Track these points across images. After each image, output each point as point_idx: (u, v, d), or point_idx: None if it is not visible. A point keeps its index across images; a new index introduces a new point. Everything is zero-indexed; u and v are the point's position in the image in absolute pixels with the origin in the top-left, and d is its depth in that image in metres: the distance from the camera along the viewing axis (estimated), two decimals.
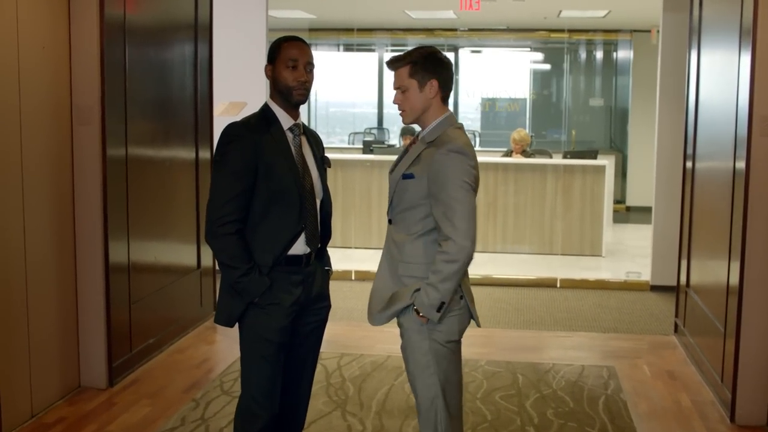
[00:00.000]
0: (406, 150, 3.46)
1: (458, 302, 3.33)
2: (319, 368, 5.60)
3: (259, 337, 3.40)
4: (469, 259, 3.20)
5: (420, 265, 3.30)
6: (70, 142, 5.11)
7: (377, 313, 3.40)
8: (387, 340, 6.18)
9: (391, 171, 3.47)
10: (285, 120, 3.44)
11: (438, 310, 3.24)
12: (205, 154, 6.77)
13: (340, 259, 9.33)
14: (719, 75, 5.64)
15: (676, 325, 6.76)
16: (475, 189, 3.23)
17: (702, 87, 6.16)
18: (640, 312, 7.51)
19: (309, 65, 3.42)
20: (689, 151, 6.47)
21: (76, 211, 5.19)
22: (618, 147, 14.33)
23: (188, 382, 5.47)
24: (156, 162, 6.01)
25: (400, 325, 3.38)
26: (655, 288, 8.22)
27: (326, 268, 3.60)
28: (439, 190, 3.19)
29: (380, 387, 5.40)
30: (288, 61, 3.36)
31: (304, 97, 3.43)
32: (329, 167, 3.65)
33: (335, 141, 15.30)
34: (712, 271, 5.70)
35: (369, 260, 9.28)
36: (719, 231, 5.39)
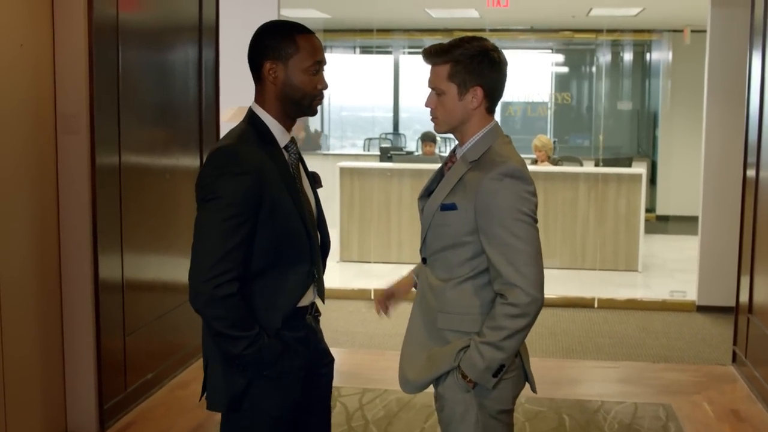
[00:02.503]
0: (440, 171, 2.79)
1: (513, 361, 2.67)
2: (338, 408, 4.96)
3: (267, 419, 2.65)
4: (539, 312, 2.55)
5: (467, 316, 2.65)
6: (54, 151, 4.51)
7: (413, 380, 2.74)
8: None
9: (423, 197, 2.80)
10: (281, 135, 2.69)
11: (495, 375, 2.57)
12: None
13: (357, 275, 8.72)
14: None
15: (734, 354, 6.07)
16: (536, 220, 2.58)
17: None
18: (690, 337, 6.83)
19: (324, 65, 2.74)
20: (751, 159, 5.78)
21: (62, 226, 4.59)
22: (645, 153, 13.67)
23: (191, 425, 4.83)
24: (155, 171, 5.41)
25: (438, 395, 2.72)
26: (702, 309, 7.52)
27: (315, 314, 2.84)
28: (492, 225, 2.54)
29: (409, 431, 4.74)
30: (312, 64, 2.62)
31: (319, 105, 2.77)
32: (320, 187, 2.91)
33: (347, 145, 14.65)
34: None
35: (389, 276, 8.60)
36: None
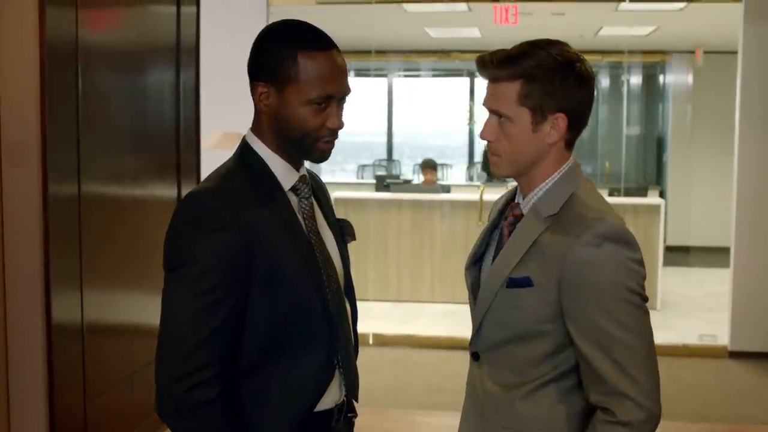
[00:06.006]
0: (494, 228, 2.04)
1: None
2: None
3: None
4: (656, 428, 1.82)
5: None
6: None
7: None
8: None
9: (472, 266, 2.04)
10: (286, 175, 1.95)
11: None
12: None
13: None
14: None
15: None
16: (646, 300, 1.86)
17: None
18: (726, 389, 6.13)
19: (345, 98, 1.94)
20: None
21: (6, 262, 3.94)
22: (652, 180, 13.05)
23: None
24: (125, 202, 4.79)
25: None
26: (735, 355, 6.79)
27: (349, 414, 2.11)
28: (586, 309, 1.81)
29: None
30: (319, 97, 1.86)
31: (331, 149, 1.96)
32: (353, 239, 2.14)
33: (336, 169, 13.90)
34: None
35: (388, 317, 8.00)
36: None
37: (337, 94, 1.89)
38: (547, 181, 1.92)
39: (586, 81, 1.90)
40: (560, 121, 1.88)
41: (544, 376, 1.89)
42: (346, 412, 2.05)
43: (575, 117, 1.90)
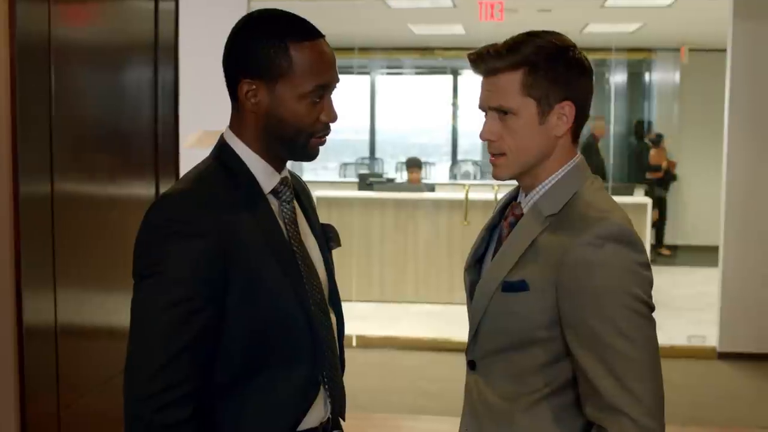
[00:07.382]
0: (493, 228, 1.92)
1: None
2: None
3: None
4: None
5: None
6: None
7: None
8: None
9: (471, 267, 1.92)
10: (266, 177, 1.82)
11: None
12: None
13: None
14: None
15: None
16: (653, 309, 1.72)
17: None
18: (716, 391, 6.05)
19: (334, 89, 1.84)
20: None
21: None
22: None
23: None
24: (101, 200, 4.62)
25: None
26: (724, 356, 6.71)
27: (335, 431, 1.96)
28: (585, 316, 1.67)
29: None
30: (313, 89, 1.75)
31: (322, 145, 1.85)
32: (338, 246, 2.01)
33: (318, 168, 13.73)
34: None
35: (371, 318, 7.87)
36: None
37: (332, 84, 1.79)
38: (550, 178, 1.81)
39: (586, 69, 1.80)
40: (567, 109, 1.78)
41: (545, 387, 1.76)
42: (330, 430, 1.92)
43: (580, 106, 1.80)
